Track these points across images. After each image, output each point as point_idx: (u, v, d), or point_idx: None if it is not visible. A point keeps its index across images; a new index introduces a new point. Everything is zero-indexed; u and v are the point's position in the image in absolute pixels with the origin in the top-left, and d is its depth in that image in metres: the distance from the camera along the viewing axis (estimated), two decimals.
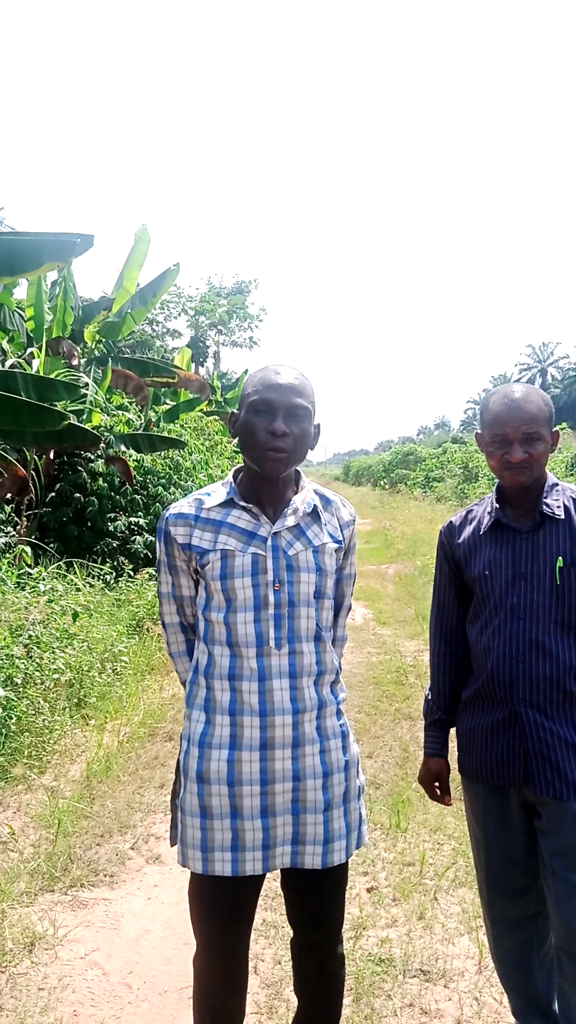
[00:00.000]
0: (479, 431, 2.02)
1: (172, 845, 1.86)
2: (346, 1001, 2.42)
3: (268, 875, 1.83)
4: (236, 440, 1.82)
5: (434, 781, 2.20)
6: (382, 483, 35.73)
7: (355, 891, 3.12)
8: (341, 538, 1.89)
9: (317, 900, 1.85)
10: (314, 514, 1.85)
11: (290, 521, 1.80)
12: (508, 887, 2.04)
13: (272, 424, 1.72)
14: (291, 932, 1.94)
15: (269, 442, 1.72)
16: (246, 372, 22.53)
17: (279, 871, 1.82)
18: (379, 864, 3.35)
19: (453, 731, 2.19)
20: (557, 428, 2.03)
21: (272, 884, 2.74)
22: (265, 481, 1.80)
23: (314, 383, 1.86)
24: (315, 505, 1.86)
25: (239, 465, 1.89)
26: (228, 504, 1.81)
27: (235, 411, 1.84)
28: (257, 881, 1.81)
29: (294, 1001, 2.03)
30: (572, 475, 15.86)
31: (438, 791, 2.21)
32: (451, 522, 2.17)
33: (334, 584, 1.88)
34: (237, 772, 1.73)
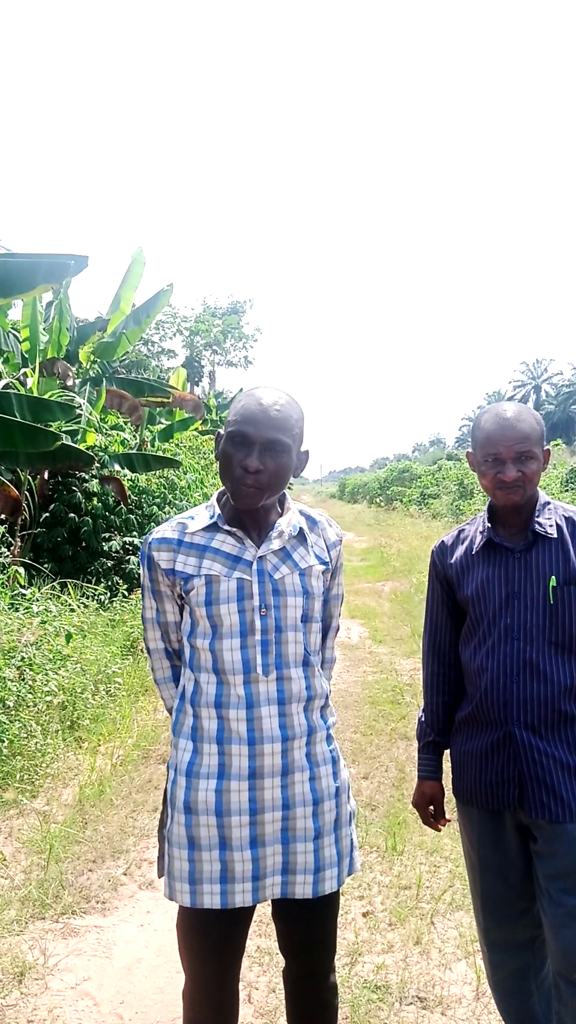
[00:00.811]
0: (470, 450, 2.02)
1: (159, 877, 1.83)
2: None
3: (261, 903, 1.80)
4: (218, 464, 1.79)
5: (428, 805, 2.18)
6: (378, 500, 35.77)
7: (350, 916, 3.07)
8: (328, 559, 1.87)
9: (308, 929, 1.82)
10: (300, 536, 1.82)
11: (275, 544, 1.77)
12: (504, 911, 2.00)
13: (246, 460, 1.69)
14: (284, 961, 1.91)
15: (243, 477, 1.69)
16: (241, 391, 22.61)
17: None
18: (375, 888, 3.30)
19: (448, 753, 2.17)
20: (549, 446, 2.03)
21: (266, 910, 2.69)
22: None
23: (304, 405, 1.82)
24: (301, 527, 1.83)
25: (222, 488, 1.86)
26: (212, 528, 1.78)
27: (220, 431, 1.80)
28: (247, 912, 1.77)
29: None
30: (568, 491, 15.87)
31: (432, 815, 2.18)
32: (443, 542, 2.15)
33: (322, 606, 1.86)
34: (226, 802, 1.70)
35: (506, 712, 1.92)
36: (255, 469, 1.68)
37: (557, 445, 24.88)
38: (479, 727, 1.99)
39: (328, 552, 1.88)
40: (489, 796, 1.96)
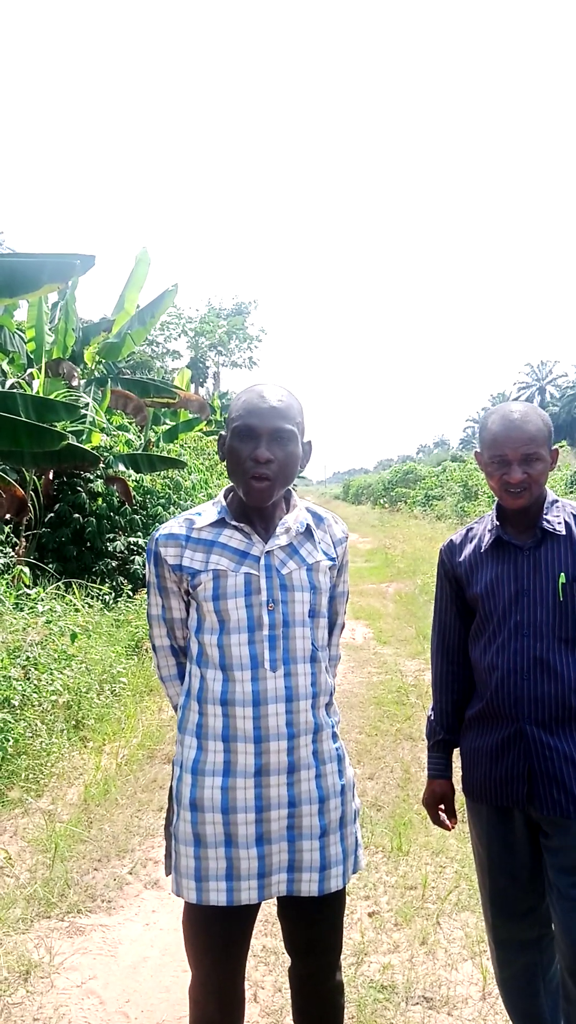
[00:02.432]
0: (478, 450, 2.02)
1: (167, 875, 1.83)
2: None
3: (266, 900, 1.80)
4: (225, 463, 1.80)
5: (438, 803, 2.17)
6: (382, 502, 35.74)
7: (356, 915, 3.07)
8: (335, 555, 1.87)
9: (314, 928, 1.82)
10: (307, 532, 1.83)
11: (283, 540, 1.77)
12: (513, 908, 2.00)
13: (255, 451, 1.69)
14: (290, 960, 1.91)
15: (253, 469, 1.69)
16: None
17: (275, 898, 1.79)
18: (380, 888, 3.30)
19: (456, 751, 2.17)
20: (556, 446, 2.02)
21: (272, 909, 2.69)
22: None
23: (305, 401, 1.84)
24: (308, 523, 1.84)
25: (230, 485, 1.86)
26: (219, 524, 1.78)
27: (223, 433, 1.81)
28: (253, 909, 1.77)
29: None
30: (572, 492, 15.84)
31: (442, 814, 2.18)
32: (451, 541, 2.15)
33: (328, 602, 1.86)
34: (231, 800, 1.70)
35: (517, 709, 1.92)
36: (265, 459, 1.69)
37: (562, 447, 24.85)
38: (490, 724, 1.99)
39: (335, 548, 1.88)
40: (499, 792, 1.96)
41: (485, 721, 2.01)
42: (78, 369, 10.31)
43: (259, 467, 1.69)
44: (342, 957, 1.92)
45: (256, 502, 1.73)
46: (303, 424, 1.80)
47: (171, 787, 1.82)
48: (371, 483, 45.69)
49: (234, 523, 1.77)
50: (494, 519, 2.04)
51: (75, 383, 9.72)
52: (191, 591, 1.77)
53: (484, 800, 2.00)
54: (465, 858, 3.45)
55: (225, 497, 1.84)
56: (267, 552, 1.75)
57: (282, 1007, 2.53)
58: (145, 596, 1.92)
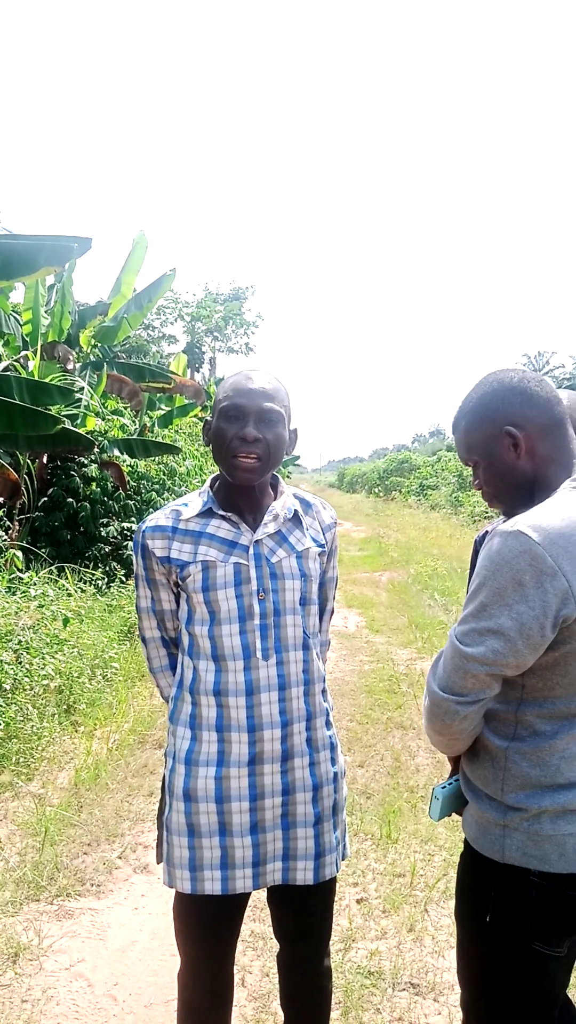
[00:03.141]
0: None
1: (158, 863, 1.83)
2: (334, 1015, 2.39)
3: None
4: (211, 448, 1.78)
5: None
6: (376, 491, 35.77)
7: (345, 902, 3.08)
8: (324, 541, 1.86)
9: (305, 915, 1.83)
10: (295, 519, 1.82)
11: (271, 528, 1.76)
12: None
13: (243, 430, 1.68)
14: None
15: (240, 447, 1.68)
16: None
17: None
18: (369, 875, 3.31)
19: None
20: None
21: (260, 894, 2.70)
22: (241, 489, 1.76)
23: (302, 389, 1.87)
24: (295, 510, 1.83)
25: (216, 474, 1.85)
26: (207, 514, 1.77)
27: (208, 419, 1.79)
28: (244, 897, 1.77)
29: (281, 1015, 2.00)
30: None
31: None
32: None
33: (318, 588, 1.85)
34: (225, 789, 1.69)
35: None
36: (253, 438, 1.67)
37: None
38: None
39: (324, 534, 1.87)
40: None
41: None
42: (74, 352, 10.25)
43: (246, 446, 1.68)
44: (330, 943, 1.93)
45: (243, 481, 1.72)
46: (290, 409, 1.79)
47: (163, 777, 1.82)
48: (366, 472, 45.69)
49: (221, 512, 1.76)
50: None
51: (70, 367, 9.67)
52: (180, 583, 1.76)
53: None
54: (453, 846, 3.47)
55: (211, 486, 1.83)
56: (256, 541, 1.74)
57: (269, 991, 2.55)
58: (134, 588, 1.90)
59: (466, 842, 1.60)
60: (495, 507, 1.63)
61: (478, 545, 2.13)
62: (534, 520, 1.41)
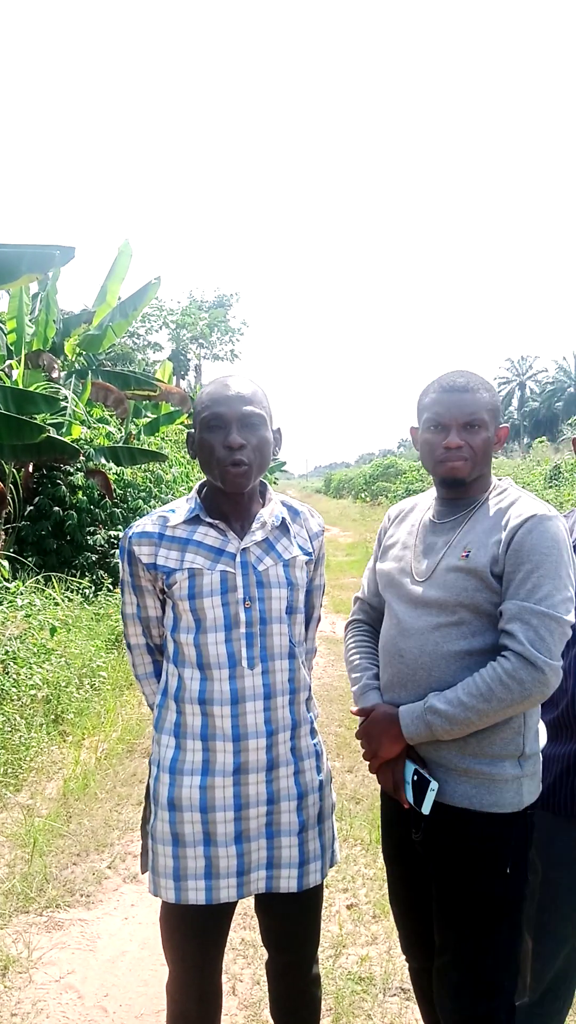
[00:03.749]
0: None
1: (143, 872, 1.82)
2: (326, 1021, 2.39)
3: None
4: (197, 460, 1.78)
5: None
6: (363, 496, 35.79)
7: (335, 908, 3.08)
8: (311, 550, 1.87)
9: (292, 922, 1.83)
10: (283, 527, 1.82)
11: (258, 536, 1.76)
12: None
13: (227, 438, 1.68)
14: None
15: (228, 457, 1.69)
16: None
17: None
18: (359, 880, 3.32)
19: None
20: (534, 442, 2.01)
21: (250, 902, 2.70)
22: (230, 496, 1.76)
23: (287, 395, 1.90)
24: (283, 518, 1.83)
25: (203, 480, 1.85)
26: (194, 521, 1.77)
27: (191, 431, 1.79)
28: (230, 907, 1.77)
29: (272, 1023, 2.00)
30: (551, 487, 15.96)
31: None
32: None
33: (304, 596, 1.86)
34: (210, 799, 1.69)
35: None
36: (238, 445, 1.68)
37: (542, 442, 25.01)
38: (566, 733, 1.88)
39: (311, 542, 1.88)
40: (569, 806, 1.87)
41: (561, 729, 1.89)
42: (58, 361, 10.23)
43: (233, 454, 1.68)
44: (320, 950, 1.94)
45: (234, 488, 1.72)
46: (270, 410, 1.79)
47: (148, 786, 1.82)
48: (352, 477, 45.73)
49: (208, 520, 1.76)
50: None
51: (55, 375, 9.64)
52: (166, 590, 1.75)
53: (550, 808, 1.88)
54: None
55: (199, 493, 1.83)
56: (243, 549, 1.74)
57: (260, 1000, 2.54)
58: (120, 594, 1.90)
59: (464, 817, 1.66)
60: (458, 472, 1.73)
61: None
62: (543, 506, 1.69)
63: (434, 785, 1.65)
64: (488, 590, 1.66)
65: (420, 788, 1.66)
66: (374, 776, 1.81)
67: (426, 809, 1.66)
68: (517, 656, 1.56)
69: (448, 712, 1.60)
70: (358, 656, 1.88)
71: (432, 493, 1.94)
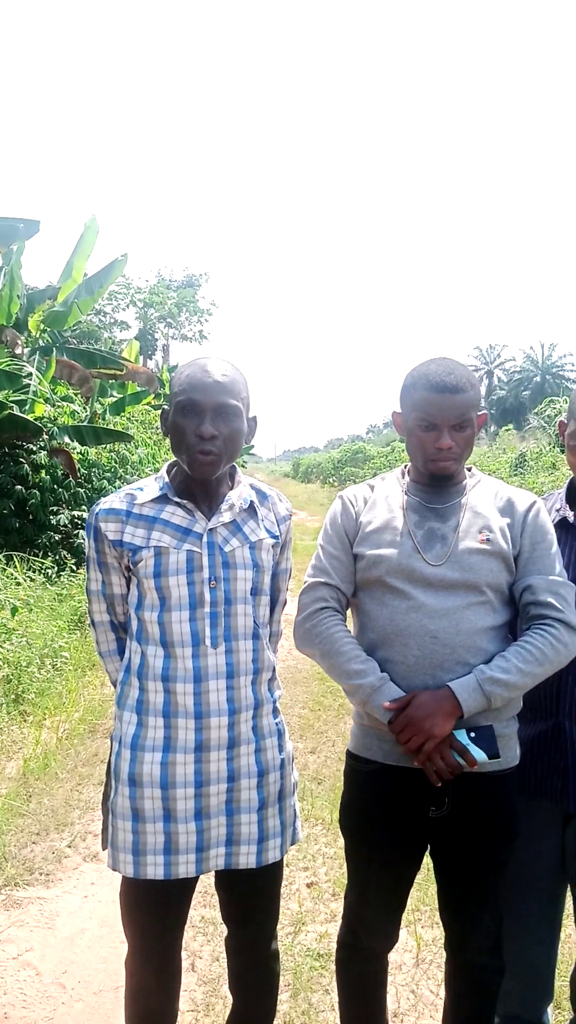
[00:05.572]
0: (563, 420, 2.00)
1: (103, 849, 1.82)
2: (283, 997, 2.41)
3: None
4: (168, 438, 1.77)
5: None
6: (331, 480, 35.93)
7: (295, 886, 3.11)
8: (278, 533, 1.87)
9: (251, 898, 1.84)
10: (251, 510, 1.82)
11: (226, 517, 1.76)
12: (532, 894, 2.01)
13: (200, 427, 1.67)
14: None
15: (197, 445, 1.68)
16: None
17: None
18: (319, 859, 3.35)
19: None
20: (503, 430, 2.03)
21: (210, 880, 2.71)
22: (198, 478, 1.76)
23: (256, 378, 1.83)
24: (252, 501, 1.83)
25: (173, 460, 1.84)
26: (162, 500, 1.76)
27: (166, 408, 1.77)
28: (190, 882, 1.78)
29: (231, 999, 2.02)
30: (516, 475, 16.16)
31: None
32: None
33: (270, 579, 1.86)
34: (171, 775, 1.69)
35: (558, 704, 1.89)
36: (210, 435, 1.67)
37: (508, 431, 25.29)
38: (529, 715, 1.92)
39: (278, 526, 1.88)
40: (532, 785, 1.92)
41: (525, 712, 1.89)
42: (22, 337, 10.05)
43: (203, 443, 1.68)
44: (280, 926, 1.95)
45: (201, 475, 1.71)
46: (248, 399, 1.77)
47: (109, 762, 1.81)
48: (320, 462, 45.83)
49: (177, 499, 1.75)
50: (563, 498, 2.02)
51: (18, 351, 9.48)
52: (131, 567, 1.74)
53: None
54: None
55: (168, 472, 1.82)
56: (210, 529, 1.74)
57: (219, 976, 2.56)
58: (85, 571, 1.88)
59: (490, 781, 1.77)
60: (449, 470, 1.80)
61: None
62: (531, 493, 1.89)
63: (492, 727, 1.73)
64: (507, 571, 1.79)
65: (483, 738, 1.70)
66: (336, 757, 1.82)
67: (490, 755, 1.70)
68: (560, 623, 1.72)
69: (508, 680, 1.68)
70: (350, 645, 1.83)
71: (393, 476, 1.97)
